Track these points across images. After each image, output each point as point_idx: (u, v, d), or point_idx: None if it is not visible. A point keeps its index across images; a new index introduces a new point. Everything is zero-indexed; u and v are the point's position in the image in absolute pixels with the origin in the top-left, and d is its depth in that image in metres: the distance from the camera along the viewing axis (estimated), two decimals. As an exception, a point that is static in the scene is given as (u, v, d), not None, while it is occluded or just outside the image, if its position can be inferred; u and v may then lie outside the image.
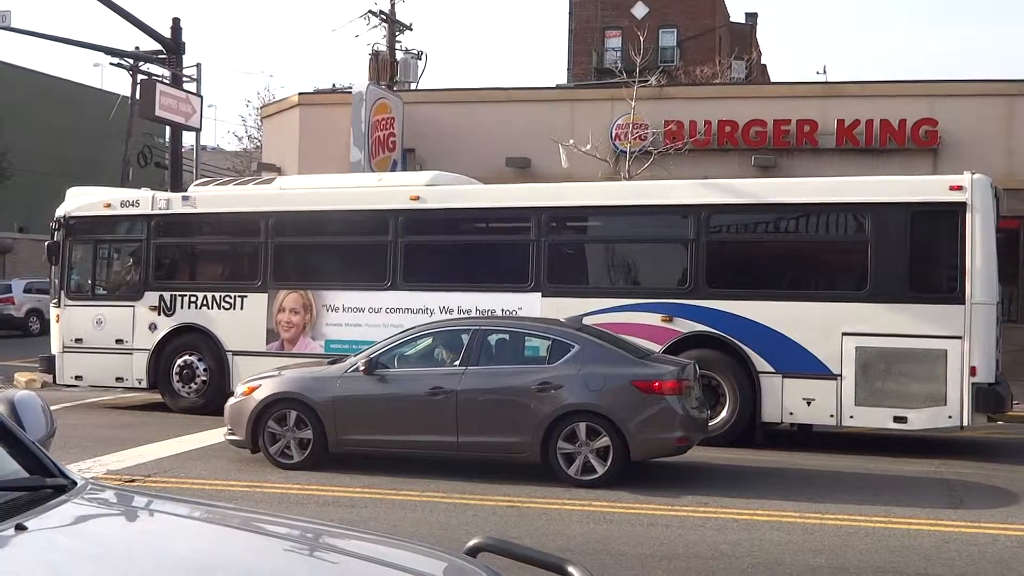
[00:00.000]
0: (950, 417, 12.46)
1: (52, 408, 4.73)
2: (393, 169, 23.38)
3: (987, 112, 21.69)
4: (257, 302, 15.59)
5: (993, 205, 12.75)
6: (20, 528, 2.89)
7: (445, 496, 9.90)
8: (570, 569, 3.24)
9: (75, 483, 3.36)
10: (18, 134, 42.43)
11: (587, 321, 12.57)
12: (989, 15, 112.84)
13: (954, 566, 7.77)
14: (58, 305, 16.86)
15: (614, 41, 53.40)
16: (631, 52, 25.70)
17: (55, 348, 16.85)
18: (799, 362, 13.04)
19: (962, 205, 12.55)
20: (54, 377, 17.03)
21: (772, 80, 52.12)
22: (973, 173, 12.77)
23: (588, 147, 20.15)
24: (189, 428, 14.07)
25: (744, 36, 59.24)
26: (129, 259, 16.96)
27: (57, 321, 16.91)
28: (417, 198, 14.88)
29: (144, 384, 16.25)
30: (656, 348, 12.93)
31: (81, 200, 17.06)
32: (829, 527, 8.86)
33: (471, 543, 3.50)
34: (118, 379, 16.43)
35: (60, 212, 16.95)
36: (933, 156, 21.54)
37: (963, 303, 12.43)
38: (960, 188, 12.61)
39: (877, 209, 12.98)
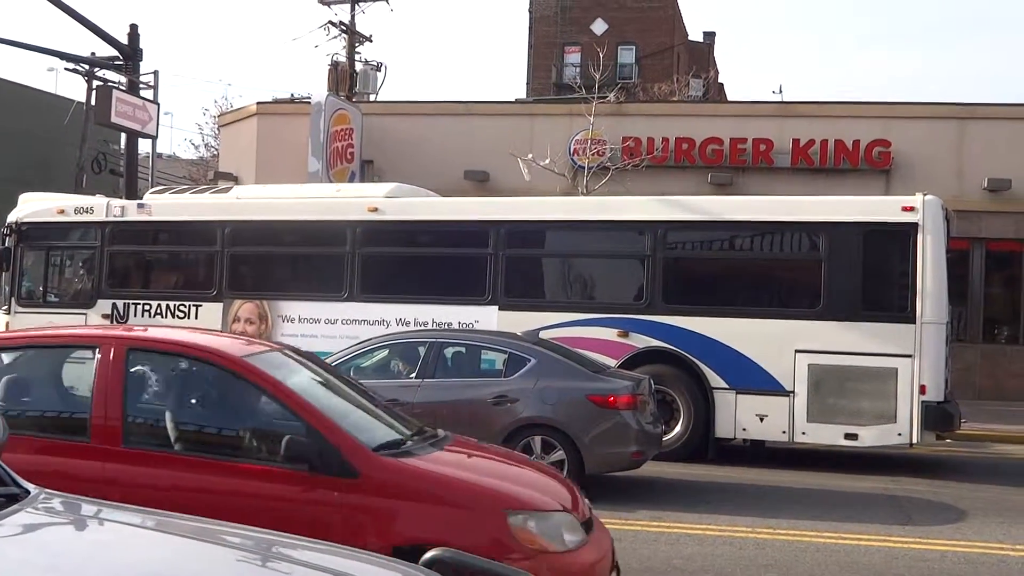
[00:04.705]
0: (900, 435, 12.63)
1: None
2: (351, 180, 23.35)
3: (939, 134, 22.08)
4: (212, 312, 15.47)
5: (944, 226, 12.96)
6: (-29, 537, 2.86)
7: (399, 509, 9.84)
8: (524, 581, 3.26)
9: (28, 492, 3.33)
10: (-31, 138, 41.75)
11: (544, 335, 12.61)
12: (943, 39, 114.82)
13: (902, 581, 7.87)
14: (8, 312, 16.60)
15: (573, 57, 53.61)
16: (590, 68, 25.89)
17: (4, 356, 16.58)
18: (752, 378, 13.16)
19: (914, 226, 12.75)
20: (3, 385, 16.75)
21: (729, 99, 52.62)
22: (925, 194, 13.00)
23: (547, 162, 20.25)
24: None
25: (702, 55, 59.79)
26: (82, 266, 16.76)
27: (7, 328, 16.67)
28: (375, 209, 14.86)
29: (95, 393, 16.02)
30: (612, 363, 12.99)
31: (34, 206, 16.85)
32: (780, 542, 8.94)
33: (426, 556, 3.51)
34: (69, 388, 16.19)
35: (12, 218, 16.73)
36: (886, 177, 21.89)
37: (914, 322, 12.62)
38: (912, 209, 12.82)
39: (831, 228, 13.15)
